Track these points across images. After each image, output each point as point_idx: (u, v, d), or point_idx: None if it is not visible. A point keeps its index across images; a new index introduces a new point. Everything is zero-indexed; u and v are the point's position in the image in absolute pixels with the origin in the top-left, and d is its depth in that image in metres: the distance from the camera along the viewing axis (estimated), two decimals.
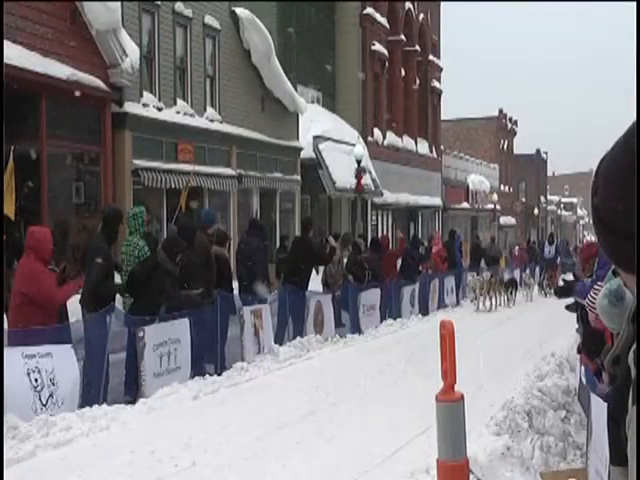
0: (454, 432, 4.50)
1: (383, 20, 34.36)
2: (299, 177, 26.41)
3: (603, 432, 3.46)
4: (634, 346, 3.53)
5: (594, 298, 5.95)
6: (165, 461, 6.65)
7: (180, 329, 9.86)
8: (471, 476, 4.91)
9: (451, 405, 4.54)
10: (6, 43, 14.07)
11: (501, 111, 61.44)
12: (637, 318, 2.68)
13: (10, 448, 6.67)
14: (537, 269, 29.17)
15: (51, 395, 7.65)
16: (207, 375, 10.20)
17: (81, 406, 8.03)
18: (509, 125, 63.33)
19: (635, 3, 1.86)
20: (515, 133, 65.44)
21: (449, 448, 4.49)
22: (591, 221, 1.34)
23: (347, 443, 7.28)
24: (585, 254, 8.03)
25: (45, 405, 7.55)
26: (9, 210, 13.24)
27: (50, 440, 7.01)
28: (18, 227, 13.61)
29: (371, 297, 16.29)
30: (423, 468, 5.93)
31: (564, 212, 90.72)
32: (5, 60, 13.88)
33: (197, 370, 10.22)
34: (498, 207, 51.85)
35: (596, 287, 5.96)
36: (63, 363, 7.87)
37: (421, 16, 39.74)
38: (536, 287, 25.73)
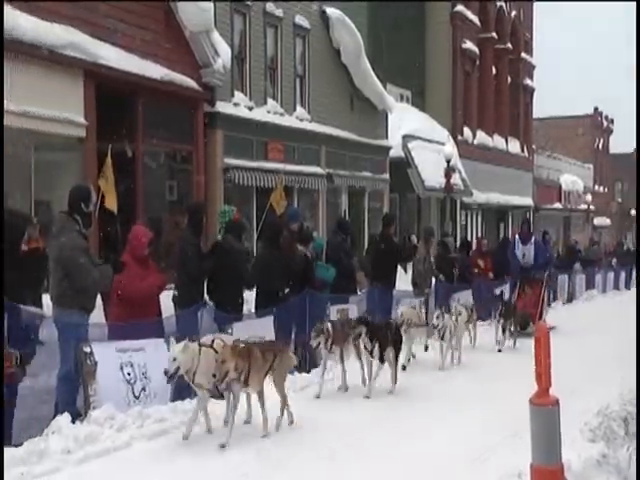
0: (549, 437, 4.40)
1: (474, 18, 33.95)
2: (388, 176, 26.31)
3: None
4: None
5: None
6: None
7: (265, 325, 9.94)
8: None
9: (546, 409, 4.45)
10: (105, 45, 14.55)
11: (596, 109, 59.81)
12: (637, 318, 2.56)
13: (107, 437, 6.90)
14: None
15: (144, 388, 7.83)
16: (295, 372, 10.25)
17: (173, 399, 8.20)
18: (605, 123, 61.56)
19: (635, 3, 1.77)
20: (611, 131, 63.54)
21: (543, 453, 4.40)
22: None
23: (433, 443, 7.19)
24: None
25: (138, 398, 7.74)
26: (111, 204, 13.75)
27: (145, 431, 7.21)
28: (114, 223, 14.05)
29: (464, 298, 16.03)
30: (514, 472, 5.80)
31: None
32: (104, 62, 14.36)
33: None
34: (592, 207, 50.47)
35: None
36: (155, 357, 8.02)
37: (513, 13, 39.03)
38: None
